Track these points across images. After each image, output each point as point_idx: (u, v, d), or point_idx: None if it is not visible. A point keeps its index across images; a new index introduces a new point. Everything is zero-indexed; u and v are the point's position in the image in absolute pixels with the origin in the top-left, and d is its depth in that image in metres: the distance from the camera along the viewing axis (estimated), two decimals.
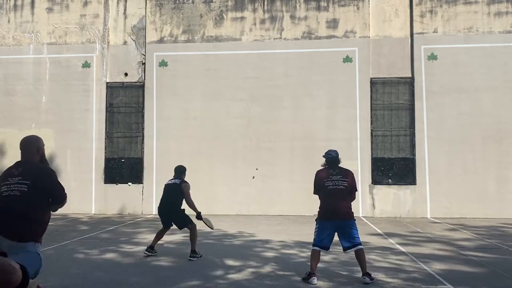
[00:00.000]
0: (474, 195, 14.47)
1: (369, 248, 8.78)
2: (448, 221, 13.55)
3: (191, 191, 8.28)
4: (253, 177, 15.18)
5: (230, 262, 7.59)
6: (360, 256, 6.42)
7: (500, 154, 14.57)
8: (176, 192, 8.17)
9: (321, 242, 6.45)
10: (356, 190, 6.70)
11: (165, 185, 8.49)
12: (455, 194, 14.54)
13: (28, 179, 4.04)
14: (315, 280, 6.27)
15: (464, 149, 14.66)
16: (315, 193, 6.70)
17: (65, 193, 4.25)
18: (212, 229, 8.53)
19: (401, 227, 12.17)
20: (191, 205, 8.08)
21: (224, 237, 10.41)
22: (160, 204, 8.39)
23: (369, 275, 6.33)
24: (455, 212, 14.44)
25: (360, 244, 6.46)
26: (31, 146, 4.26)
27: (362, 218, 14.16)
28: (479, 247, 9.14)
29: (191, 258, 7.80)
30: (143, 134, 15.89)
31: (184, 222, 8.13)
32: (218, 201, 15.05)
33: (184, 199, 8.16)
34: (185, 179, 8.50)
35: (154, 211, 14.72)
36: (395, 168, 15.04)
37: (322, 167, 6.76)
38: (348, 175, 6.58)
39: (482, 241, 9.93)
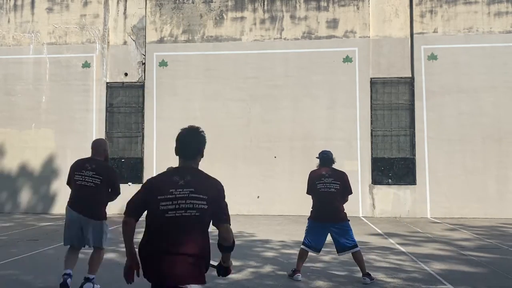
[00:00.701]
0: (474, 195, 14.46)
1: (369, 248, 8.79)
2: (448, 221, 13.55)
3: None
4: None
5: None
6: (358, 257, 6.42)
7: (500, 154, 14.57)
8: None
9: (310, 242, 6.53)
10: (351, 193, 6.65)
11: None
12: (455, 194, 14.53)
13: (100, 175, 5.69)
14: (299, 277, 6.42)
15: (464, 149, 14.66)
16: (308, 193, 6.74)
17: (120, 187, 5.85)
18: None
19: (401, 227, 12.17)
20: None
21: None
22: None
23: (369, 275, 6.35)
24: (455, 212, 14.44)
25: (357, 246, 6.47)
26: (100, 147, 5.98)
27: (362, 218, 14.16)
28: (479, 247, 9.14)
29: None
30: (143, 134, 15.89)
31: None
32: None
33: None
34: None
35: None
36: (395, 168, 15.04)
37: (317, 168, 6.78)
38: (341, 178, 6.56)
39: (482, 241, 9.93)
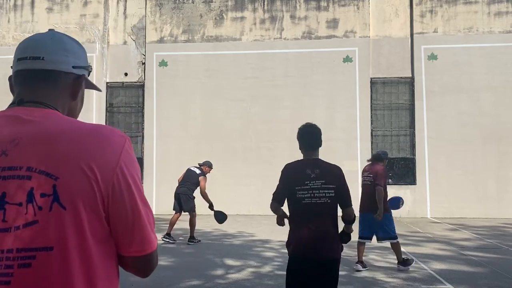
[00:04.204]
0: (474, 195, 14.45)
1: (369, 248, 8.78)
2: (448, 221, 13.54)
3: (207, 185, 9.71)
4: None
5: (230, 262, 7.59)
6: (393, 247, 7.37)
7: (500, 154, 14.56)
8: (193, 179, 9.53)
9: (361, 233, 7.37)
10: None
11: (188, 168, 9.86)
12: (455, 194, 14.52)
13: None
14: (360, 267, 7.04)
15: (464, 149, 14.65)
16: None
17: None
18: (220, 223, 9.50)
19: (401, 227, 12.16)
20: (205, 196, 9.45)
21: (224, 237, 10.41)
22: (178, 185, 9.72)
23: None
24: (455, 212, 14.43)
25: (395, 238, 7.53)
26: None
27: None
28: (479, 247, 9.14)
29: (189, 243, 9.20)
30: (143, 134, 15.88)
31: (189, 207, 9.37)
32: (218, 201, 15.01)
33: (199, 188, 9.52)
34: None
35: (155, 210, 14.70)
36: (395, 168, 15.03)
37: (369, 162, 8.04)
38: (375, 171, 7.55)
39: (482, 241, 9.93)
